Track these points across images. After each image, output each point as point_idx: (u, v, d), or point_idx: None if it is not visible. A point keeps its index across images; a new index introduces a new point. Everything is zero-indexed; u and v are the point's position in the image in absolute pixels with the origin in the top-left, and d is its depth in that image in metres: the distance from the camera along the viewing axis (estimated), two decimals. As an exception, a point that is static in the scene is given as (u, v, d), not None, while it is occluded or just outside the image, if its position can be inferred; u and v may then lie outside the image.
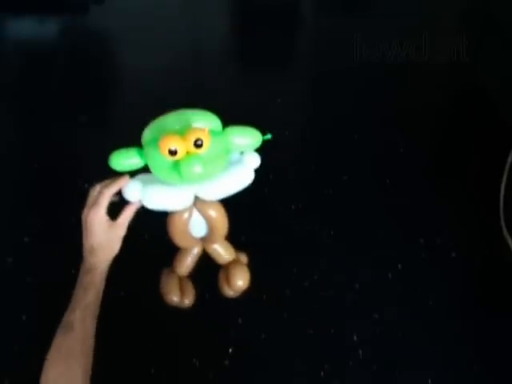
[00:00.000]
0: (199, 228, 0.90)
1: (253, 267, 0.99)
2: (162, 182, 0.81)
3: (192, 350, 1.59)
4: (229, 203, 0.89)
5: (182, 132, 0.75)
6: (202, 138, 0.74)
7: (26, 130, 2.48)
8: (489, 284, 1.85)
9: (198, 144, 0.74)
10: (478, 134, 2.42)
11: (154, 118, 0.83)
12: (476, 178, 2.21)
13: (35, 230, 1.93)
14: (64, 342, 0.80)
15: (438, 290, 1.81)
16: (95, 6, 3.35)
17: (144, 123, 0.84)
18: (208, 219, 0.88)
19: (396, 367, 1.60)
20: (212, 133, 0.78)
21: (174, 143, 0.73)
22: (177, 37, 3.13)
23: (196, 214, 0.87)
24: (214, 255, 0.97)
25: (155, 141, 0.76)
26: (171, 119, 0.81)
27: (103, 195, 0.81)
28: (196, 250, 0.96)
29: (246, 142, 0.84)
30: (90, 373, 0.80)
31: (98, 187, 0.84)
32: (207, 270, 0.98)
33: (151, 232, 1.73)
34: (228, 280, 0.94)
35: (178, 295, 0.94)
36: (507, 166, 2.08)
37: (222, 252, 0.96)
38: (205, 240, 0.95)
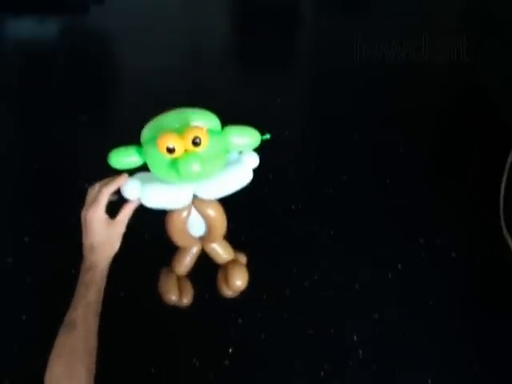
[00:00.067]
0: (198, 227, 0.90)
1: (252, 267, 0.99)
2: (161, 181, 0.82)
3: (192, 350, 1.59)
4: (229, 203, 0.89)
5: (181, 130, 0.75)
6: (200, 136, 0.74)
7: (26, 130, 2.48)
8: (489, 284, 1.85)
9: (196, 142, 0.74)
10: (478, 134, 2.42)
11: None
12: (476, 178, 2.21)
13: (35, 230, 1.93)
14: (67, 340, 0.80)
15: (438, 290, 1.81)
16: (95, 5, 3.35)
17: (144, 123, 0.84)
18: (206, 218, 0.88)
19: (396, 367, 1.60)
20: (211, 132, 0.78)
21: (171, 141, 0.74)
22: (177, 37, 3.13)
23: (194, 212, 0.87)
24: (212, 255, 0.97)
25: (154, 139, 0.76)
26: (170, 118, 0.81)
27: (102, 193, 0.82)
28: (195, 250, 0.96)
29: (244, 142, 0.85)
30: (94, 372, 0.80)
31: (96, 186, 0.84)
32: (207, 269, 0.98)
33: (151, 231, 1.73)
34: (226, 280, 0.94)
35: (177, 294, 0.95)
36: (507, 166, 2.08)
37: (221, 252, 0.97)
38: (203, 239, 0.95)
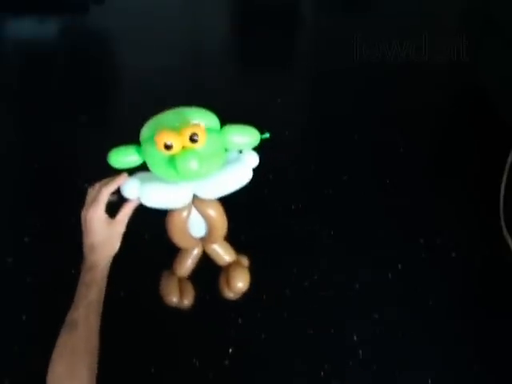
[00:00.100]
0: (198, 228, 0.90)
1: (253, 267, 0.99)
2: (161, 180, 0.82)
3: (192, 350, 1.59)
4: (229, 203, 0.89)
5: (179, 128, 0.76)
6: (197, 132, 0.74)
7: (26, 130, 2.48)
8: (489, 284, 1.85)
9: (193, 139, 0.74)
10: (478, 134, 2.42)
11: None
12: (476, 178, 2.21)
13: (35, 230, 1.93)
14: (68, 340, 0.80)
15: (438, 290, 1.81)
16: (95, 5, 3.35)
17: (144, 123, 0.84)
18: (207, 218, 0.88)
19: (396, 367, 1.60)
20: (209, 130, 0.78)
21: (169, 137, 0.74)
22: (177, 37, 3.13)
23: (195, 213, 0.87)
24: (213, 256, 0.97)
25: (152, 137, 0.76)
26: (169, 116, 0.81)
27: (102, 193, 0.82)
28: (196, 251, 0.96)
29: (244, 141, 0.84)
30: (96, 371, 0.80)
31: (96, 186, 0.84)
32: (207, 270, 0.98)
33: (151, 231, 1.73)
34: (228, 282, 0.94)
35: (178, 296, 0.94)
36: (507, 166, 2.08)
37: (222, 253, 0.96)
38: (204, 240, 0.95)
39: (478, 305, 1.77)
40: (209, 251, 0.96)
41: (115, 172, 0.84)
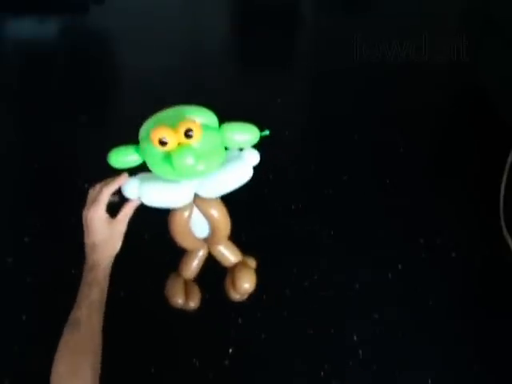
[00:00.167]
0: (201, 228, 0.90)
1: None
2: (161, 180, 0.81)
3: (192, 349, 1.59)
4: (229, 203, 0.89)
5: (174, 124, 0.75)
6: (192, 128, 0.74)
7: (26, 130, 2.48)
8: (489, 284, 1.85)
9: (188, 135, 0.74)
10: (478, 134, 2.42)
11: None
12: (476, 178, 2.21)
13: (35, 230, 1.93)
14: (71, 339, 0.80)
15: (438, 290, 1.81)
16: (95, 5, 3.35)
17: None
18: (209, 218, 0.87)
19: (396, 367, 1.60)
20: (206, 127, 0.78)
21: (163, 133, 0.73)
22: (177, 37, 3.13)
23: (197, 213, 0.87)
24: (219, 257, 0.96)
25: (149, 135, 0.76)
26: (166, 114, 0.82)
27: (102, 193, 0.82)
28: (201, 253, 0.96)
29: (243, 138, 0.84)
30: (100, 371, 0.80)
31: (97, 186, 0.85)
32: (207, 270, 0.98)
33: (151, 231, 1.73)
34: (234, 283, 0.93)
35: (183, 298, 0.94)
36: (507, 166, 2.08)
37: (227, 254, 0.95)
38: (209, 241, 0.94)
39: (477, 305, 1.77)
40: (214, 253, 0.96)
41: (115, 172, 0.84)
